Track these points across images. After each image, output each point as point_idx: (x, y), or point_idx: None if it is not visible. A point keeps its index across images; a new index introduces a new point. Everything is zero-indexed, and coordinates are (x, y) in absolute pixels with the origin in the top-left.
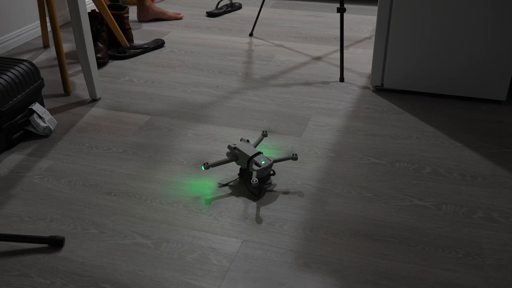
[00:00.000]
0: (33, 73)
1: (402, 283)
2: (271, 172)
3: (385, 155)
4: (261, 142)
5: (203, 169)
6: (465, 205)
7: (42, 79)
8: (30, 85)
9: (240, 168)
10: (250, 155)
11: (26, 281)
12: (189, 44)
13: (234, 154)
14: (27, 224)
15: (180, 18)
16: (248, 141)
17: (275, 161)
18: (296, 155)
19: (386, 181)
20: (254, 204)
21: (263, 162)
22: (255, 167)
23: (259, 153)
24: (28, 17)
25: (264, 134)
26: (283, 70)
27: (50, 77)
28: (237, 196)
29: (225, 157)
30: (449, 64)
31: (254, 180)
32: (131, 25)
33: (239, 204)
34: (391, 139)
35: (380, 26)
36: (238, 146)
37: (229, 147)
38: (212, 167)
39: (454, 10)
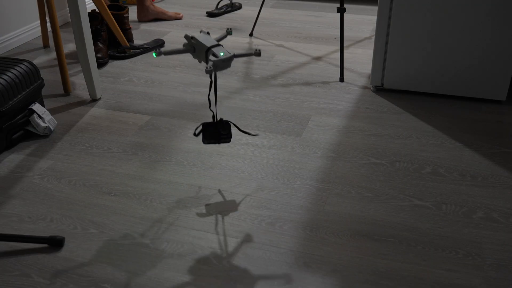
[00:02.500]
0: (33, 73)
1: (402, 283)
2: (248, 133)
3: (385, 155)
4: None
5: (154, 56)
6: (465, 205)
7: (42, 79)
8: (30, 85)
9: (200, 131)
10: (208, 46)
11: (26, 281)
12: None
13: (191, 45)
14: (27, 224)
15: (180, 18)
16: (208, 33)
17: (236, 55)
18: (259, 50)
19: (386, 181)
20: (254, 204)
21: (221, 54)
22: (212, 57)
23: (219, 45)
24: (28, 17)
25: (229, 32)
26: (283, 70)
27: (50, 77)
28: (237, 196)
29: (181, 47)
30: (449, 64)
31: (209, 67)
32: (131, 25)
33: (239, 204)
34: (391, 139)
35: (380, 26)
36: (196, 36)
37: (186, 36)
38: (165, 55)
39: (454, 10)
